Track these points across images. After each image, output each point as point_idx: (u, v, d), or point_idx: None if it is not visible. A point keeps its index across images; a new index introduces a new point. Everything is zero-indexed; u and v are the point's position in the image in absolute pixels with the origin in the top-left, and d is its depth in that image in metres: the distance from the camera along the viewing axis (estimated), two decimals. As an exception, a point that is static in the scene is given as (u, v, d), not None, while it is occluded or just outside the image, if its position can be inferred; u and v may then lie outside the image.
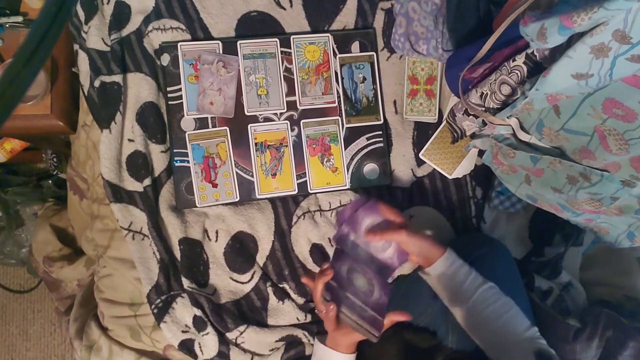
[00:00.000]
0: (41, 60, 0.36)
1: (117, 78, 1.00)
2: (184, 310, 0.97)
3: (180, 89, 1.02)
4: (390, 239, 0.81)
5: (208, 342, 0.96)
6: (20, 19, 1.04)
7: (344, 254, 0.85)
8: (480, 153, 1.03)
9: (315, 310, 0.80)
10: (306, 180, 1.04)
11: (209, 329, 0.95)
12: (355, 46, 1.07)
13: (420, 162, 1.07)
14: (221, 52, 1.03)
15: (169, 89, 1.02)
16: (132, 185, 1.00)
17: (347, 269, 0.82)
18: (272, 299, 1.00)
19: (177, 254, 0.99)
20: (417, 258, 0.80)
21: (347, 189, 1.05)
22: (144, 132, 1.00)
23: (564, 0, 0.61)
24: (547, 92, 0.68)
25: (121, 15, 1.03)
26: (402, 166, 1.06)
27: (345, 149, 1.05)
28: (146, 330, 0.99)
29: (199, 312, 0.95)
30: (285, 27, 1.06)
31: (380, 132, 1.06)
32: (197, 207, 1.01)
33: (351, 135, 1.06)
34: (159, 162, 1.01)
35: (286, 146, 1.04)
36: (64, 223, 1.27)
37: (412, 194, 1.06)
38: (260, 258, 1.02)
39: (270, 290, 1.00)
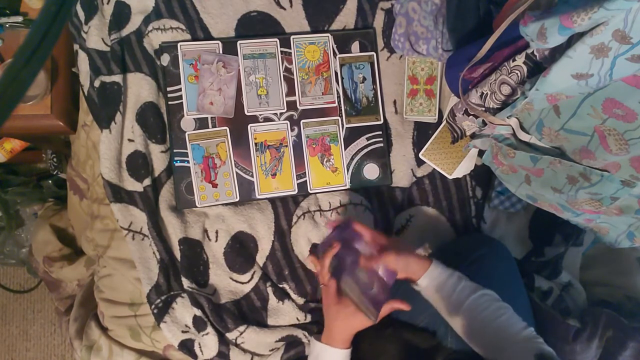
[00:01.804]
0: (41, 60, 0.36)
1: (117, 78, 1.00)
2: (183, 310, 0.97)
3: (180, 89, 1.02)
4: (382, 262, 0.80)
5: (208, 342, 0.96)
6: (20, 19, 1.04)
7: (348, 244, 0.84)
8: (480, 153, 1.03)
9: (320, 285, 0.81)
10: (306, 180, 1.04)
11: (209, 329, 0.95)
12: (355, 46, 1.07)
13: (420, 162, 1.07)
14: (221, 52, 1.03)
15: (169, 89, 1.02)
16: (132, 185, 1.00)
17: (351, 260, 0.82)
18: (272, 299, 1.00)
19: (177, 254, 0.99)
20: (405, 274, 0.80)
21: (347, 189, 1.05)
22: (144, 132, 1.00)
23: (564, 0, 0.61)
24: (547, 92, 0.68)
25: (121, 15, 1.03)
26: (402, 166, 1.06)
27: (345, 149, 1.05)
28: (146, 330, 0.99)
29: (199, 312, 0.95)
30: (285, 27, 1.06)
31: (380, 132, 1.06)
32: (197, 207, 1.01)
33: (351, 135, 1.06)
34: (159, 162, 1.01)
35: (286, 146, 1.04)
36: (64, 223, 1.27)
37: (412, 194, 1.06)
38: (260, 258, 1.02)
39: (270, 290, 1.00)
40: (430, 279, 0.77)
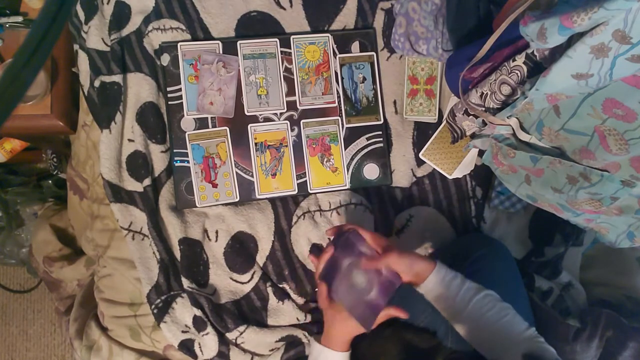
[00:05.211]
0: (41, 60, 0.36)
1: (117, 78, 1.00)
2: (183, 310, 0.97)
3: (180, 89, 1.02)
4: (384, 263, 0.79)
5: (208, 342, 0.96)
6: (20, 19, 1.04)
7: (349, 246, 0.84)
8: (480, 153, 1.03)
9: (315, 289, 0.81)
10: (306, 180, 1.04)
11: (209, 329, 0.95)
12: (355, 46, 1.07)
13: (420, 162, 1.07)
14: (221, 52, 1.03)
15: (169, 89, 1.02)
16: (132, 185, 1.00)
17: (349, 263, 0.81)
18: (272, 299, 1.00)
19: (177, 254, 0.99)
20: (409, 277, 0.79)
21: (347, 189, 1.05)
22: (144, 132, 1.00)
23: (564, 0, 0.61)
24: (547, 92, 0.68)
25: (121, 15, 1.03)
26: (402, 166, 1.06)
27: (345, 149, 1.05)
28: (146, 330, 0.99)
29: (198, 312, 0.95)
30: (285, 27, 1.06)
31: (380, 132, 1.06)
32: (197, 207, 1.01)
33: (351, 135, 1.06)
34: (159, 162, 1.01)
35: (286, 146, 1.04)
36: (64, 223, 1.26)
37: (412, 194, 1.06)
38: (260, 258, 1.02)
39: (270, 290, 1.00)
40: (436, 281, 0.77)
